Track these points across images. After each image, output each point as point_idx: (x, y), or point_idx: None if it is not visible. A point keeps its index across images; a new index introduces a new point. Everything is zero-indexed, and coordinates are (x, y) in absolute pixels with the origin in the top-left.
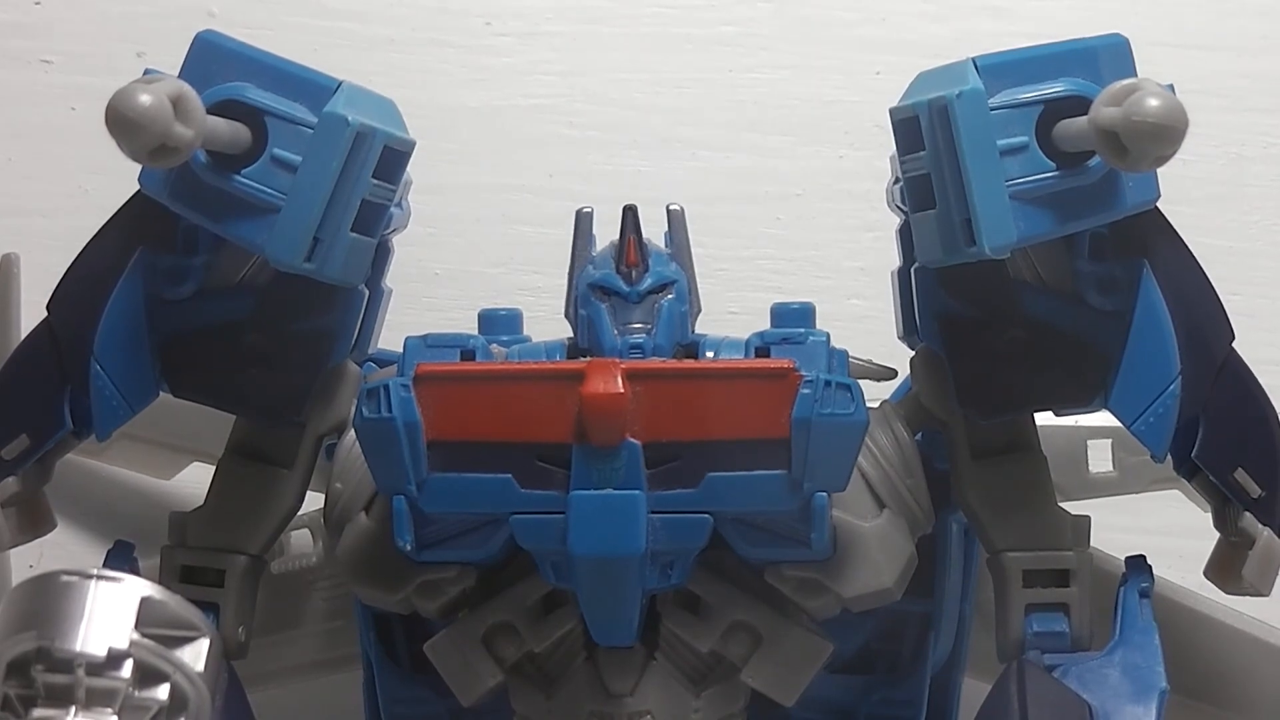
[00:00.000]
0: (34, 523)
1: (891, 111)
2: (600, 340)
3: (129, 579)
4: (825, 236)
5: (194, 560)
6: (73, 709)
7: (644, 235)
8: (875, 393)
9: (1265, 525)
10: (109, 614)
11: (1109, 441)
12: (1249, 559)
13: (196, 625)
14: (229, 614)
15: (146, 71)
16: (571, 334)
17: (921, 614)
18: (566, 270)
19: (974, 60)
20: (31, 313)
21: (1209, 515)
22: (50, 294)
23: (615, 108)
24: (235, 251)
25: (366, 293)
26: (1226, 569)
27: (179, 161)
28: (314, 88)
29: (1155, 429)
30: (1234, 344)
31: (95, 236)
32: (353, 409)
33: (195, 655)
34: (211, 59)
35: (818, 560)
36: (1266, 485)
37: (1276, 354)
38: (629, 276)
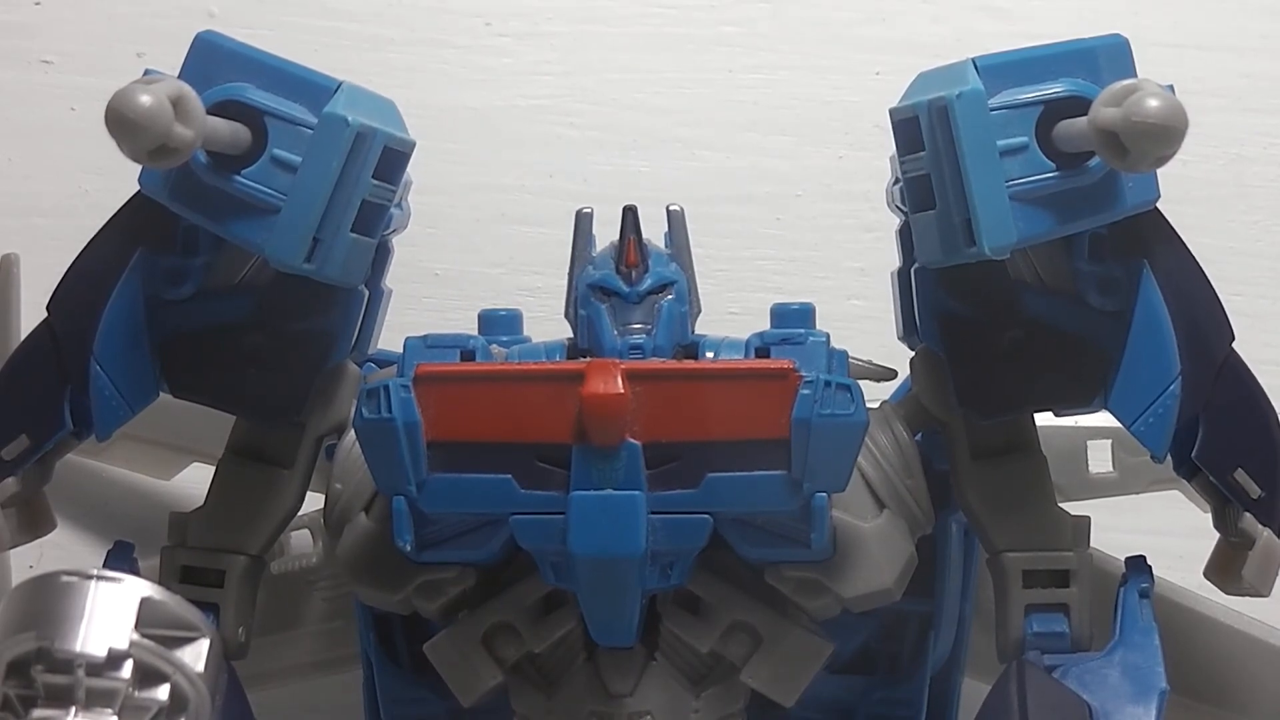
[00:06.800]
0: (34, 523)
1: (891, 112)
2: (600, 341)
3: (129, 579)
4: (825, 236)
5: (194, 560)
6: (73, 709)
7: (644, 236)
8: (875, 393)
9: (1265, 526)
10: (109, 614)
11: (1109, 442)
12: (1249, 559)
13: (196, 626)
14: (229, 614)
15: (146, 71)
16: (571, 334)
17: (921, 614)
18: (566, 270)
19: (974, 61)
20: (31, 313)
21: (1209, 515)
22: (50, 294)
23: (615, 108)
24: (235, 252)
25: (366, 293)
26: (1226, 569)
27: (179, 162)
28: (314, 88)
29: (1155, 429)
30: (1234, 344)
31: (95, 237)
32: (352, 409)
33: (195, 656)
34: (211, 59)
35: (818, 561)
36: (1266, 486)
37: (1276, 354)
38: (629, 277)
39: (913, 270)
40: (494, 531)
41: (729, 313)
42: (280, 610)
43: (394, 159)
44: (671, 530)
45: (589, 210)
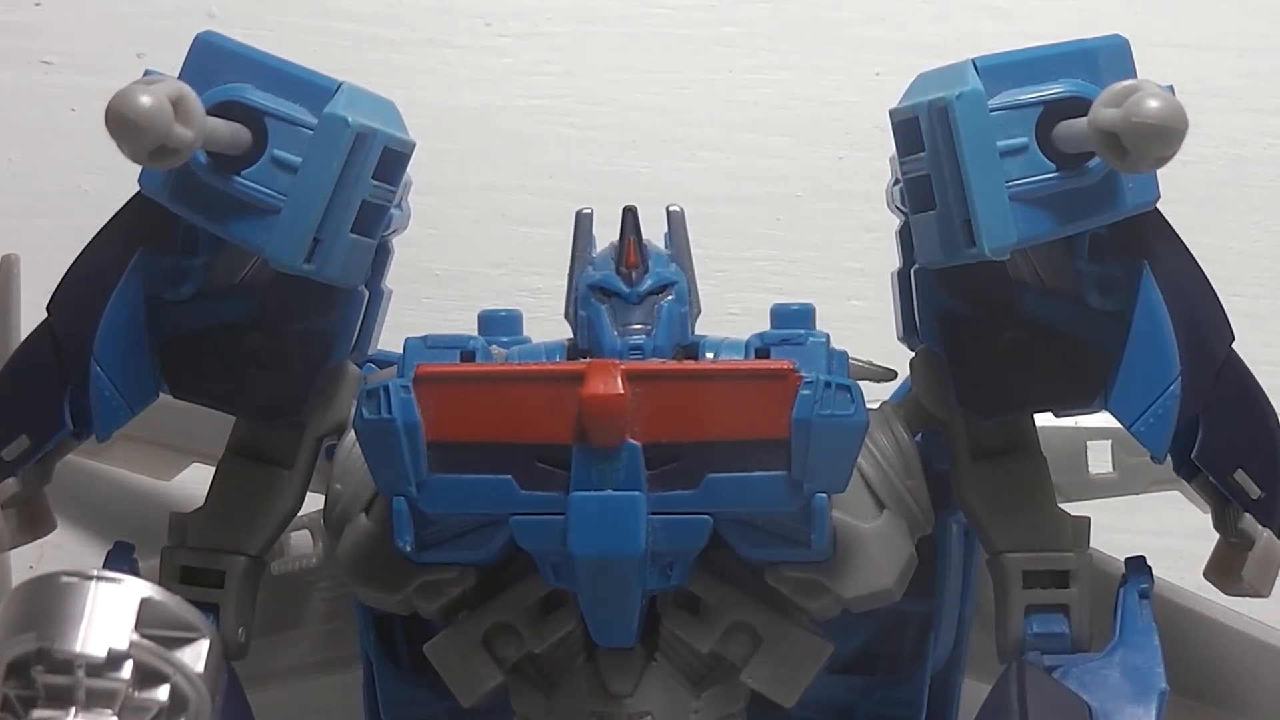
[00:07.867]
0: (34, 523)
1: (891, 113)
2: (600, 341)
3: (129, 580)
4: (825, 237)
5: (194, 561)
6: (73, 710)
7: (644, 236)
8: (875, 393)
9: (1265, 526)
10: (109, 615)
11: (1109, 442)
12: (1249, 560)
13: (196, 626)
14: (229, 615)
15: (146, 72)
16: (571, 335)
17: (921, 614)
18: (566, 271)
19: (974, 61)
20: (31, 313)
21: (1209, 515)
22: (50, 294)
23: (615, 108)
24: (235, 252)
25: (366, 293)
26: (1226, 570)
27: (179, 162)
28: (314, 89)
29: (1155, 430)
30: (1234, 344)
31: (95, 237)
32: (352, 410)
33: (195, 656)
34: (211, 60)
35: (818, 561)
36: (1266, 486)
37: (1276, 354)
38: (629, 277)
39: (913, 270)
40: (494, 532)
41: (729, 313)
42: (280, 610)
43: (394, 159)
44: (671, 531)
45: (589, 210)
